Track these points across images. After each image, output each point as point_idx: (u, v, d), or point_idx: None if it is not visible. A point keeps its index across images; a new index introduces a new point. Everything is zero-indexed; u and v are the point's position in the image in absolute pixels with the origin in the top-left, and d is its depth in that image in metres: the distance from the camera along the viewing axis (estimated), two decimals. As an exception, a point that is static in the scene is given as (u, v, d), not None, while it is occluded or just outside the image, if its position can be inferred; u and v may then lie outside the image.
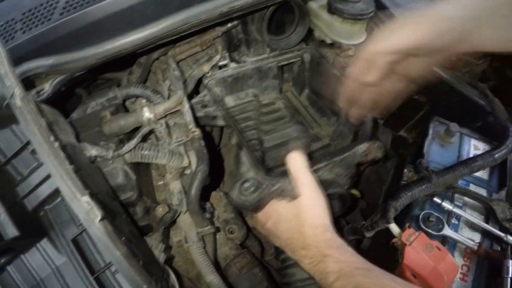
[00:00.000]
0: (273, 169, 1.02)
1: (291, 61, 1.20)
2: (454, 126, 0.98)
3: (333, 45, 1.12)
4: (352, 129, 1.03)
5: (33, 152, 0.83)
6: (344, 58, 1.13)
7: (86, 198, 0.66)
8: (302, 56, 1.19)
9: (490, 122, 1.02)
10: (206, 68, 1.09)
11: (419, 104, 1.05)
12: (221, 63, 1.15)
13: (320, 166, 0.88)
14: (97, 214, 0.65)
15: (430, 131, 0.99)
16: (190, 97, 1.06)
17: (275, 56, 1.17)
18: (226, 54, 1.14)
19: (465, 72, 1.08)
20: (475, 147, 1.01)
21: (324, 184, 0.83)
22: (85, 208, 0.66)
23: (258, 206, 0.81)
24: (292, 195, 0.81)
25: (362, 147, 0.92)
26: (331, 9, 1.03)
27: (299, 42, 1.18)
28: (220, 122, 1.06)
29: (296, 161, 0.82)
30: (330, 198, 0.83)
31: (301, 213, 0.79)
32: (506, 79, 1.13)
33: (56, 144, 0.70)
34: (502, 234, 0.89)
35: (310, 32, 1.16)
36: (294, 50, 1.19)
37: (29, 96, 0.72)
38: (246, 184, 0.79)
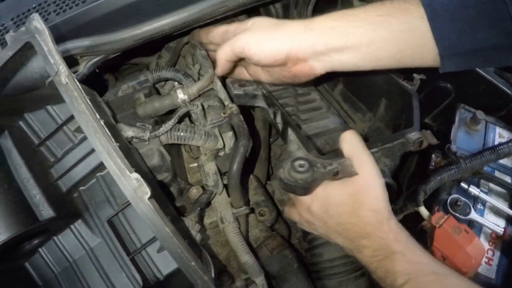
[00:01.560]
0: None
1: None
2: (480, 114, 1.01)
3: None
4: (389, 125, 1.01)
5: (77, 130, 0.84)
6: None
7: (135, 175, 0.66)
8: None
9: (515, 111, 1.06)
10: None
11: (446, 91, 1.08)
12: None
13: (373, 150, 0.81)
14: (147, 191, 0.65)
15: (457, 119, 1.02)
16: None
17: None
18: None
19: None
20: (499, 135, 1.04)
21: None
22: (133, 185, 0.66)
23: (309, 187, 0.74)
24: (348, 176, 0.74)
25: (415, 135, 0.86)
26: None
27: None
28: (260, 102, 1.03)
29: (352, 139, 0.76)
30: None
31: (359, 193, 0.72)
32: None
33: (102, 121, 0.71)
34: None
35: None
36: None
37: (73, 75, 0.73)
38: (299, 162, 0.72)
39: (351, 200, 0.73)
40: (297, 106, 1.08)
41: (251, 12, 1.09)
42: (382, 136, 1.02)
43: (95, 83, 1.06)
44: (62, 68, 0.70)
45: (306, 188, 0.73)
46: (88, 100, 0.71)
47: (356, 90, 1.16)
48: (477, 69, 1.03)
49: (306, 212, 0.79)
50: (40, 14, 0.92)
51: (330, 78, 1.24)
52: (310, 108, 1.09)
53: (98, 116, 0.71)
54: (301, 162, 0.71)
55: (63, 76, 0.70)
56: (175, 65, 1.11)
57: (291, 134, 0.85)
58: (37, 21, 0.71)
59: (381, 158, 0.85)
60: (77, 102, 0.69)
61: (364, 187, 0.73)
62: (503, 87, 1.02)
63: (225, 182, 0.94)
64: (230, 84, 1.02)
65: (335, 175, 0.73)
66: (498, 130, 1.04)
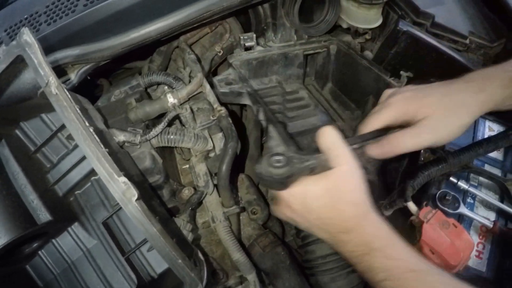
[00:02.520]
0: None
1: (317, 50, 1.20)
2: None
3: (349, 29, 1.17)
4: None
5: (69, 137, 0.89)
6: (361, 42, 1.18)
7: (123, 179, 0.71)
8: (328, 47, 1.19)
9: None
10: (217, 48, 1.14)
11: (434, 86, 1.10)
12: (247, 44, 1.14)
13: (354, 147, 0.80)
14: (134, 193, 0.70)
15: (446, 113, 1.04)
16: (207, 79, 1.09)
17: (302, 44, 1.18)
18: (253, 36, 1.14)
19: (479, 55, 1.13)
20: (489, 128, 1.06)
21: None
22: (121, 188, 0.71)
23: (286, 182, 0.73)
24: (325, 171, 0.73)
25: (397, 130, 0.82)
26: (348, -5, 1.09)
27: (326, 33, 1.19)
28: (245, 100, 1.06)
29: (329, 134, 0.74)
30: None
31: (336, 186, 0.71)
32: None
33: (91, 128, 0.76)
34: None
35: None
36: (321, 40, 1.20)
37: (63, 85, 0.77)
38: (276, 157, 0.72)
39: (329, 194, 0.72)
40: (284, 104, 1.11)
41: (238, 14, 1.12)
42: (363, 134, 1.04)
43: (90, 88, 1.12)
44: (52, 79, 0.75)
45: (283, 183, 0.73)
46: (77, 109, 0.76)
47: (345, 88, 1.19)
48: (465, 62, 1.05)
49: (287, 208, 0.78)
50: (32, 25, 0.97)
51: (319, 76, 1.27)
52: (297, 106, 1.12)
53: (87, 124, 0.75)
54: (278, 157, 0.72)
55: (53, 87, 0.74)
56: (166, 68, 1.16)
57: (271, 130, 0.87)
58: (27, 35, 0.76)
59: (364, 155, 0.85)
60: (67, 111, 0.74)
61: (341, 180, 0.72)
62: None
63: (216, 182, 0.98)
64: (217, 82, 1.06)
65: (312, 171, 0.74)
66: (488, 123, 1.06)
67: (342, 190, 0.71)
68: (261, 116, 0.99)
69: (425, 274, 0.64)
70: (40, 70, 0.75)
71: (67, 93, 0.76)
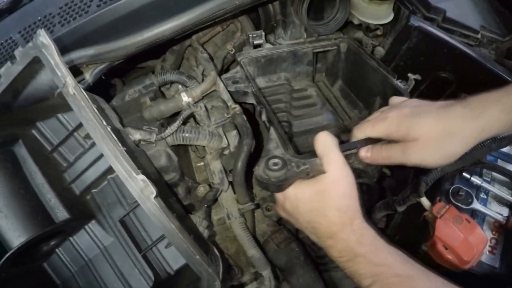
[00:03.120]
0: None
1: (327, 48, 1.21)
2: None
3: (360, 26, 1.18)
4: None
5: (86, 136, 0.91)
6: (372, 38, 1.20)
7: (141, 176, 0.73)
8: (338, 45, 1.20)
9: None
10: (229, 46, 1.16)
11: (447, 82, 1.11)
12: (256, 42, 1.16)
13: (352, 151, 0.83)
14: (152, 190, 0.72)
15: (458, 109, 1.05)
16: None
17: (312, 42, 1.19)
18: (262, 34, 1.15)
19: (491, 49, 1.14)
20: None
21: (353, 173, 0.77)
22: (140, 186, 0.72)
23: (282, 185, 0.77)
24: (318, 175, 0.76)
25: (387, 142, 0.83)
26: (358, -10, 1.10)
27: (337, 30, 1.20)
28: (250, 99, 1.08)
29: (325, 140, 0.77)
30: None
31: (325, 191, 0.74)
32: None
33: (109, 127, 0.78)
34: None
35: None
36: (331, 38, 1.21)
37: (79, 85, 0.79)
38: (273, 160, 0.76)
39: (317, 198, 0.74)
40: (291, 102, 1.13)
41: (249, 12, 1.14)
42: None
43: (104, 87, 1.14)
44: (69, 79, 0.77)
45: (279, 186, 0.76)
46: (94, 109, 0.77)
47: (354, 87, 1.20)
48: (477, 57, 1.06)
49: (281, 209, 0.82)
50: (45, 26, 0.99)
51: (330, 73, 1.28)
52: (304, 105, 1.14)
53: (104, 123, 0.77)
54: (276, 160, 0.76)
55: (71, 87, 0.76)
56: (179, 67, 1.18)
57: (272, 132, 0.89)
58: (43, 36, 0.78)
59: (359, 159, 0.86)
60: (84, 111, 0.76)
61: (330, 185, 0.74)
62: (503, 74, 1.05)
63: (231, 179, 1.00)
64: (224, 80, 1.07)
65: (308, 174, 0.76)
66: (501, 118, 1.07)
67: (330, 196, 0.74)
68: (264, 117, 1.01)
69: (411, 279, 0.65)
70: (57, 71, 0.77)
71: (84, 93, 0.78)
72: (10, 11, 1.08)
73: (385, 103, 0.92)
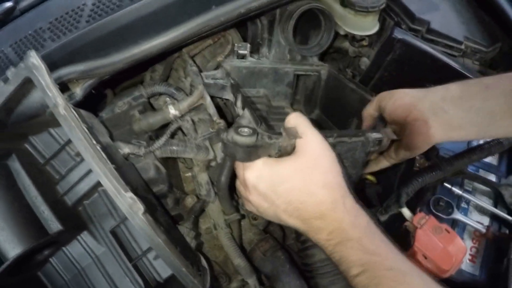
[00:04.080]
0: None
1: (308, 73, 1.25)
2: None
3: (346, 36, 1.23)
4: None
5: (77, 154, 0.96)
6: (358, 48, 1.24)
7: (129, 194, 0.78)
8: (319, 72, 1.24)
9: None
10: (219, 58, 1.19)
11: (430, 92, 1.16)
12: (240, 52, 1.18)
13: (329, 140, 0.79)
14: (140, 207, 0.77)
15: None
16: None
17: (294, 64, 1.23)
18: (248, 45, 1.18)
19: (475, 59, 1.19)
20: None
21: None
22: (128, 203, 0.78)
23: (251, 152, 0.71)
24: (291, 149, 0.72)
25: (375, 134, 0.88)
26: (344, 2, 1.14)
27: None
28: (227, 95, 1.10)
29: (298, 119, 0.74)
30: None
31: (308, 167, 0.69)
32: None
33: (98, 146, 0.83)
34: (510, 218, 1.01)
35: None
36: (312, 64, 1.25)
37: (70, 105, 0.84)
38: (243, 128, 0.70)
39: (299, 175, 0.69)
40: (269, 115, 1.17)
41: (239, 26, 1.18)
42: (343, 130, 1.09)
43: (93, 96, 1.18)
44: (60, 100, 0.82)
45: (247, 152, 0.70)
46: (84, 128, 0.83)
47: (331, 113, 1.25)
48: (459, 68, 1.10)
49: (253, 193, 0.74)
50: (36, 40, 1.04)
51: (308, 102, 1.32)
52: (280, 118, 1.17)
53: (94, 142, 0.82)
54: (246, 129, 0.70)
55: (61, 107, 0.81)
56: (168, 78, 1.22)
57: (246, 112, 0.89)
58: (33, 57, 0.83)
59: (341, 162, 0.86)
60: (74, 131, 0.81)
61: (312, 161, 0.69)
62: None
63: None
64: (203, 75, 1.12)
65: (280, 152, 0.72)
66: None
67: (314, 172, 0.69)
68: (239, 103, 1.01)
69: (404, 275, 0.61)
70: (48, 92, 0.82)
71: (74, 112, 0.83)
72: (2, 23, 1.13)
73: (361, 123, 0.98)
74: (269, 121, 1.17)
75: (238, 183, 0.83)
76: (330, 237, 0.67)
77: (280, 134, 0.74)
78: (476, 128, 0.84)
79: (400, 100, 0.90)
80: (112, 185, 0.79)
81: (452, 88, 0.87)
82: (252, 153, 0.71)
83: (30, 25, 1.05)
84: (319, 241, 0.69)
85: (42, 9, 1.08)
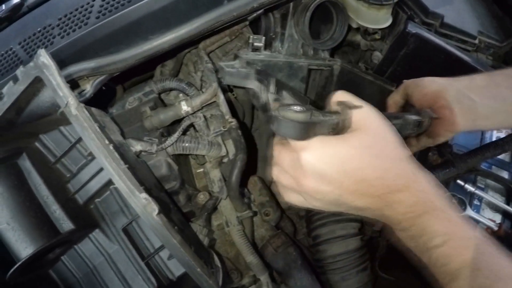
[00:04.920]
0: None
1: (321, 67, 1.21)
2: None
3: (358, 29, 1.20)
4: None
5: (90, 155, 0.95)
6: (370, 41, 1.22)
7: (144, 195, 0.77)
8: (332, 67, 1.20)
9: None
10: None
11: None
12: (256, 44, 1.14)
13: None
14: (155, 208, 0.76)
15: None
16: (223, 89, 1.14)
17: (307, 58, 1.20)
18: (263, 38, 1.14)
19: (488, 54, 1.17)
20: (498, 130, 1.11)
21: None
22: (142, 203, 0.77)
23: (307, 129, 0.64)
24: (348, 126, 0.66)
25: (414, 116, 0.85)
26: (357, -5, 1.12)
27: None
28: (251, 83, 1.06)
29: (347, 95, 0.70)
30: None
31: (375, 143, 0.64)
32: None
33: (111, 146, 0.82)
34: None
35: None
36: (325, 59, 1.21)
37: (81, 104, 0.83)
38: (295, 107, 0.64)
39: (369, 152, 0.64)
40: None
41: (252, 23, 1.16)
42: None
43: (104, 92, 1.17)
44: (71, 100, 0.80)
45: (303, 129, 0.63)
46: (97, 127, 0.81)
47: None
48: (473, 63, 1.09)
49: (310, 175, 0.65)
50: (45, 37, 1.02)
51: (320, 98, 1.30)
52: None
53: (107, 142, 0.81)
54: (298, 107, 0.64)
55: (73, 108, 0.80)
56: (178, 72, 1.20)
57: (284, 93, 0.85)
58: (44, 57, 0.81)
59: None
60: (87, 131, 0.80)
61: (380, 134, 0.65)
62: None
63: (230, 188, 1.05)
64: (223, 65, 1.09)
65: (335, 129, 0.66)
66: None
67: (385, 146, 0.65)
68: (272, 87, 0.98)
69: (486, 244, 0.58)
70: (59, 92, 0.80)
71: (86, 112, 0.82)
72: (10, 19, 1.11)
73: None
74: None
75: (277, 171, 0.72)
76: (411, 209, 0.62)
77: (330, 112, 0.68)
78: (502, 117, 0.86)
79: (427, 88, 0.92)
80: (125, 185, 0.78)
81: (478, 78, 0.90)
82: (308, 130, 0.64)
83: (38, 22, 1.03)
84: (395, 216, 0.64)
85: (50, 5, 1.05)
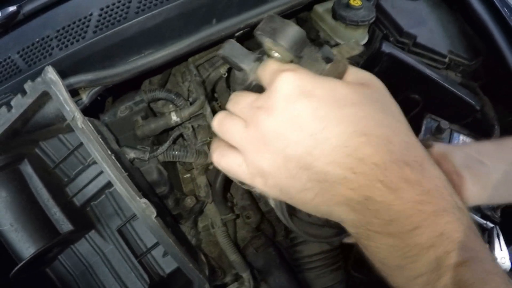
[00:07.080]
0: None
1: None
2: (444, 124, 1.30)
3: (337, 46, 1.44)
4: None
5: (87, 161, 1.17)
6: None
7: (144, 200, 0.98)
8: None
9: (478, 119, 1.35)
10: (222, 70, 1.40)
11: (414, 102, 1.39)
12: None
13: None
14: (153, 211, 0.97)
15: (423, 128, 1.33)
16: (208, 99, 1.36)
17: None
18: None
19: (458, 72, 1.42)
20: (463, 142, 1.35)
21: None
22: (142, 207, 0.99)
23: (296, 48, 0.57)
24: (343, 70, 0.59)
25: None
26: (335, 16, 1.34)
27: None
28: (248, 64, 1.20)
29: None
30: None
31: (386, 101, 0.55)
32: (496, 78, 1.41)
33: (113, 156, 1.03)
34: (483, 221, 1.19)
35: (317, 33, 1.45)
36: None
37: (85, 118, 1.04)
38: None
39: (376, 106, 0.53)
40: None
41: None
42: None
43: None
44: (78, 114, 1.00)
45: (299, 41, 0.57)
46: (100, 140, 1.03)
47: None
48: (442, 81, 1.33)
49: (284, 105, 0.51)
50: (44, 48, 1.21)
51: None
52: None
53: (109, 152, 1.03)
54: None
55: (79, 121, 1.00)
56: (166, 82, 1.42)
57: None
58: (51, 73, 1.00)
59: None
60: (92, 143, 1.01)
61: (384, 97, 0.57)
62: (467, 98, 1.33)
63: (215, 193, 1.28)
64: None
65: (327, 64, 0.57)
66: (462, 137, 1.35)
67: (394, 113, 0.54)
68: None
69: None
70: (66, 106, 0.99)
71: (90, 125, 1.03)
72: (6, 27, 1.29)
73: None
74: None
75: (221, 116, 0.62)
76: (426, 198, 0.48)
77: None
78: None
79: (430, 151, 0.83)
80: (127, 192, 0.99)
81: (487, 143, 0.92)
82: (299, 43, 0.57)
83: (37, 33, 1.21)
84: (407, 194, 0.48)
85: (48, 17, 1.22)
